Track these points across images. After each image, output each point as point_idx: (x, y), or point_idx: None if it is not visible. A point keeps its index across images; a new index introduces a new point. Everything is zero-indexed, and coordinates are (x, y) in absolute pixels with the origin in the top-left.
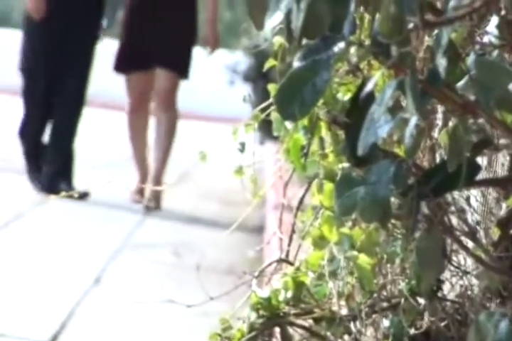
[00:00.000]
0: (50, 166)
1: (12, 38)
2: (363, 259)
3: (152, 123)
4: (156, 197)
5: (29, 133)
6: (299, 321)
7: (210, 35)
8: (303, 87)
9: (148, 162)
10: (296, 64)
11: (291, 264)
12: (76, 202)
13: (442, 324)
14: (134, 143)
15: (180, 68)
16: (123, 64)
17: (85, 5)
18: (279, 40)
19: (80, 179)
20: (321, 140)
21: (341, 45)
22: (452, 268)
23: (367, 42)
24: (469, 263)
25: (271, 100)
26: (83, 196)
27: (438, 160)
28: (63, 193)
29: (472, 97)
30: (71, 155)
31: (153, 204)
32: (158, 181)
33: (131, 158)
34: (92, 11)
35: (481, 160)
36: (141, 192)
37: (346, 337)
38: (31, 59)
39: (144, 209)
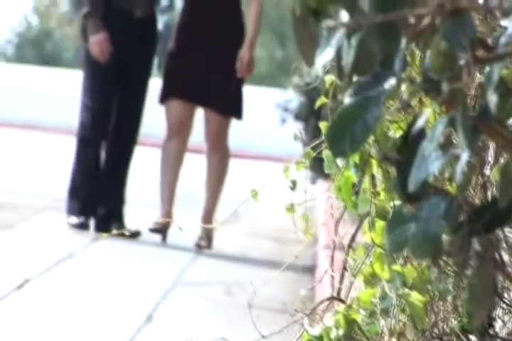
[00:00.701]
0: (103, 206)
1: (62, 77)
2: (415, 297)
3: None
4: (208, 235)
5: (81, 173)
6: None
7: (244, 55)
8: (353, 124)
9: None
10: (347, 101)
11: (343, 302)
12: (127, 241)
13: None
14: (164, 173)
15: (231, 108)
16: (165, 90)
17: (140, 44)
18: (330, 77)
19: (131, 217)
20: (372, 177)
21: (392, 81)
22: (504, 305)
23: (418, 78)
24: None
25: (322, 138)
26: (135, 235)
27: (489, 196)
28: (114, 232)
29: None
30: (123, 195)
31: (205, 243)
32: (209, 220)
33: (161, 192)
34: (146, 51)
35: None
36: (164, 225)
37: None
38: (89, 98)
39: (195, 247)
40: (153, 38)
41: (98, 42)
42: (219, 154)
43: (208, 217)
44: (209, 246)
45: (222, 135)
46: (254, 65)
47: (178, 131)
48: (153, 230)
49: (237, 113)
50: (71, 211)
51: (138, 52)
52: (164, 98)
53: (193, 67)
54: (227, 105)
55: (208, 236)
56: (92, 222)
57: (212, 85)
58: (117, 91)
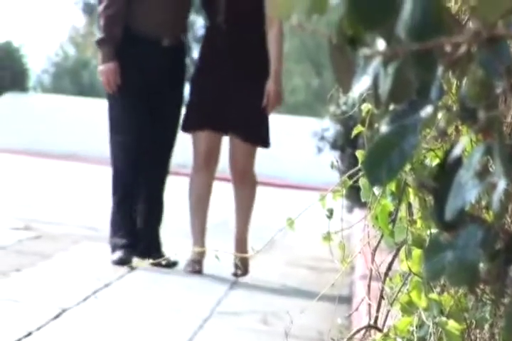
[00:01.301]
0: (143, 239)
1: (99, 106)
2: (452, 325)
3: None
4: (243, 264)
5: (119, 207)
6: None
7: (271, 88)
8: (390, 152)
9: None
10: (384, 129)
11: (380, 330)
12: (164, 271)
13: None
14: (194, 205)
15: (257, 136)
16: (190, 122)
17: (169, 73)
18: (366, 106)
19: (168, 247)
20: (409, 206)
21: (429, 109)
22: None
23: (454, 106)
24: None
25: (358, 166)
26: (171, 265)
27: None
28: (151, 261)
29: None
30: (160, 226)
31: (241, 271)
32: (242, 249)
33: (192, 224)
34: (175, 80)
35: None
36: (198, 261)
37: None
38: (117, 131)
39: (232, 276)
40: (182, 66)
41: (107, 72)
42: (246, 182)
43: (240, 245)
44: (245, 274)
45: (248, 163)
46: (282, 97)
47: (206, 162)
48: (189, 266)
49: (264, 141)
50: (113, 247)
51: (167, 81)
52: (189, 128)
53: (217, 95)
54: (254, 133)
55: (243, 265)
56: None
57: (237, 113)
58: (147, 123)
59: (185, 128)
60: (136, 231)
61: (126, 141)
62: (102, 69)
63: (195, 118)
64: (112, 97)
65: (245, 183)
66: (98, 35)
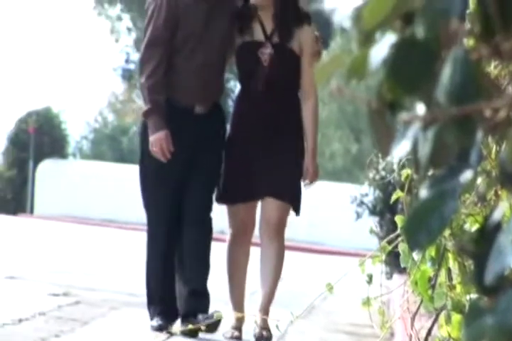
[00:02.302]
0: (186, 306)
1: (137, 173)
2: None
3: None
4: (266, 327)
5: (155, 270)
6: None
7: (310, 165)
8: (429, 217)
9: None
10: (423, 194)
11: None
12: (204, 336)
13: None
14: (232, 274)
15: (291, 199)
16: (225, 195)
17: (205, 142)
18: (405, 171)
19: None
20: (449, 271)
21: (468, 174)
22: None
23: (494, 171)
24: None
25: (398, 232)
26: (211, 329)
27: None
28: (190, 327)
29: None
30: (205, 286)
31: (266, 335)
32: (266, 312)
33: (230, 293)
34: (212, 148)
35: None
36: (238, 328)
37: None
38: (153, 207)
39: (255, 338)
40: (218, 134)
41: (160, 141)
42: (277, 245)
43: (265, 309)
44: (269, 337)
45: (282, 224)
46: (318, 172)
47: (242, 232)
48: (228, 332)
49: (297, 205)
50: (151, 313)
51: (203, 149)
52: (224, 200)
53: (251, 164)
54: (288, 193)
55: (267, 328)
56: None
57: (272, 180)
58: (183, 194)
59: (220, 200)
60: (175, 297)
61: (161, 206)
62: (154, 139)
63: (229, 191)
64: (149, 170)
65: (276, 247)
66: (143, 106)
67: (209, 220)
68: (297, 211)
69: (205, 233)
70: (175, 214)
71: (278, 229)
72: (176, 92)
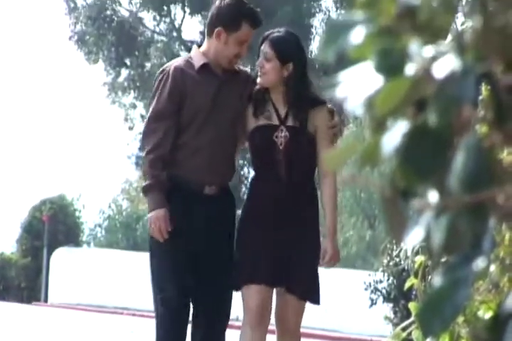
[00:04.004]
0: None
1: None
2: None
3: None
4: None
5: None
6: None
7: (329, 246)
8: (443, 304)
9: None
10: (436, 281)
11: None
12: None
13: None
14: None
15: (309, 293)
16: (240, 278)
17: (214, 224)
18: (419, 258)
19: None
20: None
21: (481, 262)
22: None
23: (507, 258)
24: None
25: (412, 319)
26: None
27: None
28: None
29: None
30: None
31: None
32: None
33: None
34: (223, 232)
35: None
36: None
37: None
38: (160, 289)
39: None
40: (229, 216)
41: (157, 219)
42: (290, 339)
43: None
44: None
45: (299, 322)
46: (339, 254)
47: (258, 319)
48: None
49: (317, 298)
50: None
51: (213, 232)
52: (240, 283)
53: (267, 245)
54: (309, 290)
55: None
56: None
57: (290, 267)
58: (193, 278)
59: (236, 284)
60: None
61: (169, 296)
62: (151, 216)
63: (245, 273)
64: (157, 252)
65: (291, 339)
66: (143, 182)
67: (226, 307)
68: (317, 302)
69: (220, 320)
70: (183, 304)
71: (296, 328)
72: (184, 172)
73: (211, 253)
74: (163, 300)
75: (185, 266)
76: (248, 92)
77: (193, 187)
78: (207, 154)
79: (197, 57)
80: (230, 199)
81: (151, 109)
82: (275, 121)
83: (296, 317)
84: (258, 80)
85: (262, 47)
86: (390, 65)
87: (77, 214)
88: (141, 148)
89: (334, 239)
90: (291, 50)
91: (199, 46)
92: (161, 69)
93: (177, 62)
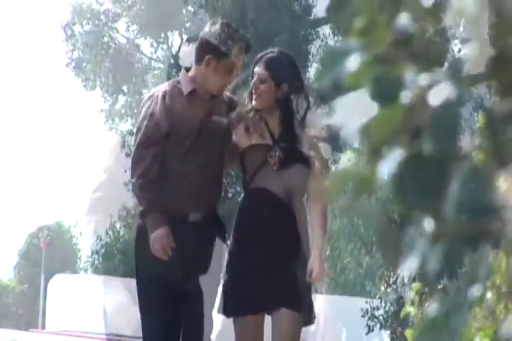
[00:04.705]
0: None
1: None
2: None
3: None
4: None
5: None
6: None
7: (315, 264)
8: (439, 331)
9: None
10: (432, 308)
11: None
12: None
13: None
14: None
15: (304, 306)
16: (232, 307)
17: (202, 253)
18: (416, 285)
19: None
20: None
21: (477, 289)
22: None
23: (502, 286)
24: None
25: None
26: None
27: None
28: None
29: None
30: None
31: None
32: None
33: None
34: (206, 258)
35: None
36: None
37: None
38: (148, 319)
39: None
40: (212, 241)
41: (159, 239)
42: None
43: None
44: None
45: (295, 334)
46: (324, 273)
47: None
48: None
49: (308, 314)
50: None
51: (200, 260)
52: (232, 313)
53: (257, 274)
54: (300, 302)
55: None
56: None
57: (280, 289)
58: (181, 304)
59: (227, 313)
60: None
61: (156, 323)
62: (154, 237)
63: (236, 302)
64: (144, 280)
65: None
66: (140, 206)
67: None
68: (310, 321)
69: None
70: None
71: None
72: (170, 199)
73: (196, 278)
74: (149, 327)
75: (174, 292)
76: (236, 118)
77: (177, 215)
78: (192, 181)
79: (185, 82)
80: (217, 222)
81: (139, 136)
82: (268, 141)
83: (291, 327)
84: (253, 103)
85: (256, 69)
86: (385, 92)
87: (74, 241)
88: (131, 175)
89: (322, 258)
90: (285, 70)
91: (187, 70)
92: (148, 94)
93: (165, 87)
